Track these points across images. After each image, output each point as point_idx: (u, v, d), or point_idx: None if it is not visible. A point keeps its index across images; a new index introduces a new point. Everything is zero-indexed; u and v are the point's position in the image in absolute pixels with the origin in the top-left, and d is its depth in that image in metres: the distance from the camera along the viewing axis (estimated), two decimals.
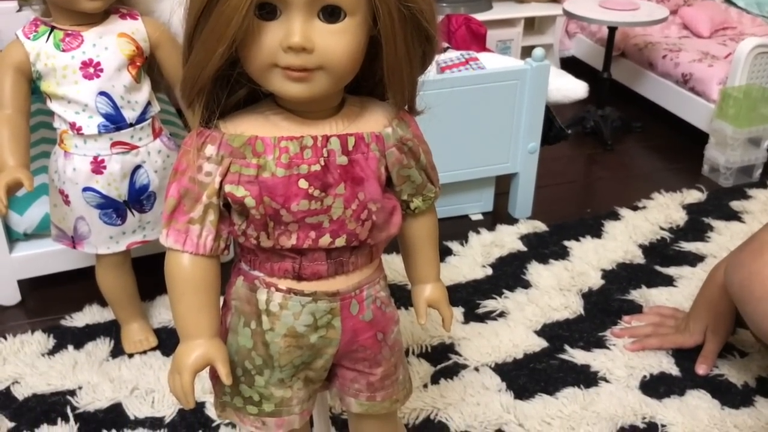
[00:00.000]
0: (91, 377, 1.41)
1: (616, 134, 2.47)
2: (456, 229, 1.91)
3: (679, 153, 2.39)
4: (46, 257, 1.63)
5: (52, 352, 1.49)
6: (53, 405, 1.36)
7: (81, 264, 1.64)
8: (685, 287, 1.68)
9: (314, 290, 0.84)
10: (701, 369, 1.44)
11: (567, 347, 1.51)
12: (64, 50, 1.26)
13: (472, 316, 1.60)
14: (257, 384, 0.88)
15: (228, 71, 0.76)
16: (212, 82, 0.76)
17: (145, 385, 1.40)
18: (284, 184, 0.78)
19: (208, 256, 0.82)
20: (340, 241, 0.82)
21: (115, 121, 1.30)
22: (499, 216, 2.01)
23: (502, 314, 1.61)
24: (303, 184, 0.78)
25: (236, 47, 0.73)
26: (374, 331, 0.90)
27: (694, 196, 2.08)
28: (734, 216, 1.99)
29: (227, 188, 0.79)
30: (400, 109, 0.85)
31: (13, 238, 1.62)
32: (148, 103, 1.35)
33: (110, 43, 1.28)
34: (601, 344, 1.52)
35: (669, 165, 2.34)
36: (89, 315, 1.59)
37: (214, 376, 0.89)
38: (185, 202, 0.80)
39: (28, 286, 1.68)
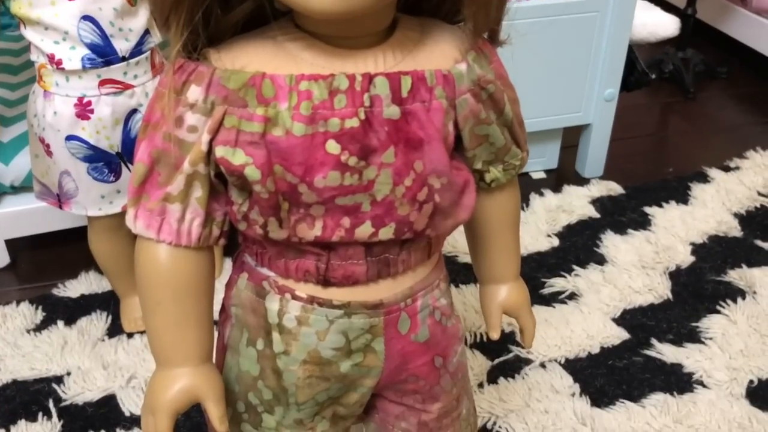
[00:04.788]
0: (82, 361, 1.19)
1: (698, 80, 2.14)
2: None
3: None
4: (38, 214, 1.39)
5: (39, 328, 1.27)
6: (35, 395, 1.14)
7: (80, 222, 1.40)
8: None
9: (347, 300, 0.59)
10: None
11: (653, 341, 1.24)
12: None
13: (536, 297, 1.34)
14: (266, 425, 0.64)
15: None
16: None
17: (144, 373, 1.17)
18: (305, 146, 0.52)
19: (195, 249, 0.57)
20: (386, 233, 0.55)
21: (103, 54, 1.04)
22: (565, 175, 1.72)
23: (572, 296, 1.34)
24: (332, 147, 0.52)
25: None
26: (431, 356, 0.64)
27: None
28: None
29: (219, 152, 0.53)
30: (479, 36, 0.58)
31: None
32: (146, 32, 1.08)
33: None
34: (694, 338, 1.25)
35: (761, 118, 2.01)
36: (85, 283, 1.36)
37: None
38: (160, 169, 0.55)
39: (19, 246, 1.46)
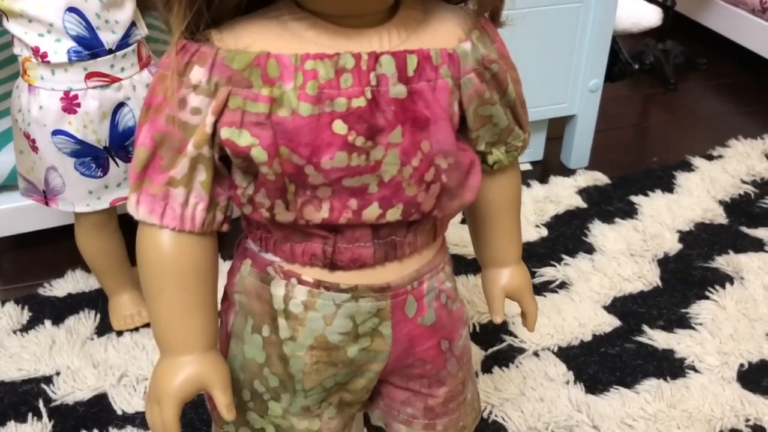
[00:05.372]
0: (71, 361, 1.17)
1: (678, 72, 2.16)
2: None
3: (753, 94, 2.08)
4: (21, 213, 1.37)
5: (25, 328, 1.24)
6: (24, 396, 1.12)
7: (65, 221, 1.38)
8: None
9: (354, 283, 0.58)
10: None
11: (645, 327, 1.25)
12: None
13: None
14: (272, 412, 0.63)
15: None
16: None
17: (135, 371, 1.16)
18: (311, 127, 0.51)
19: (199, 234, 0.56)
20: (394, 214, 0.55)
21: (89, 46, 1.02)
22: (550, 166, 1.73)
23: (563, 285, 1.34)
24: (339, 127, 0.51)
25: None
26: (437, 339, 0.64)
27: None
28: None
29: (224, 133, 0.52)
30: (481, 16, 0.58)
31: None
32: (132, 24, 1.07)
33: None
34: (685, 323, 1.26)
35: (742, 108, 2.03)
36: (72, 282, 1.34)
37: (212, 399, 0.64)
38: (162, 153, 0.54)
39: (2, 246, 1.43)
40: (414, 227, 0.58)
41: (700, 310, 1.28)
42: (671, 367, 1.18)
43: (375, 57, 0.52)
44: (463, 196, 0.59)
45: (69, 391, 1.12)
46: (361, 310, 0.59)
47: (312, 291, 0.58)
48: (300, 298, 0.58)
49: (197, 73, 0.52)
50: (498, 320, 0.70)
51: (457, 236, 1.41)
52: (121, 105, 1.08)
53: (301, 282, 0.58)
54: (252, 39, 0.52)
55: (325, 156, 0.52)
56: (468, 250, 1.38)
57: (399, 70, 0.52)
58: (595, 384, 1.15)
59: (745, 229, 1.49)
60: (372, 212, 0.54)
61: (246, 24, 0.53)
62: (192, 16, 0.51)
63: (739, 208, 1.55)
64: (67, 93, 1.04)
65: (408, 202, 0.55)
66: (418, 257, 0.60)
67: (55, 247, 1.41)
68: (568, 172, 1.68)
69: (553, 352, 1.20)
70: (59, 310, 1.28)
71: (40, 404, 1.10)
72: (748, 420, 1.09)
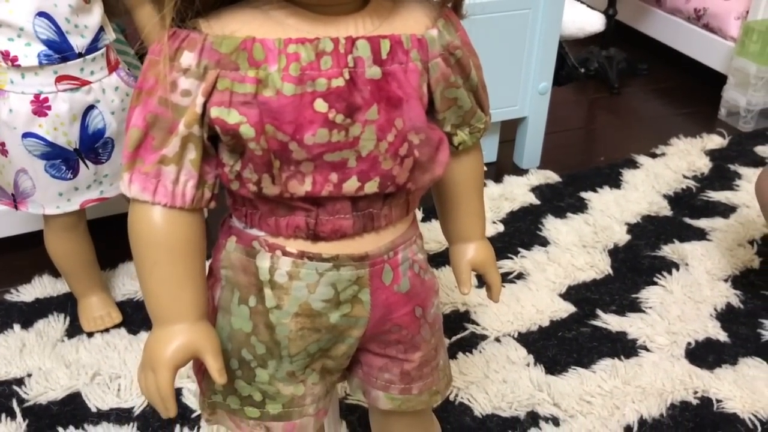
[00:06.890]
0: (43, 362, 1.18)
1: (621, 77, 2.26)
2: None
3: (690, 97, 2.19)
4: None
5: None
6: None
7: (29, 227, 1.39)
8: (721, 241, 1.50)
9: (335, 253, 0.63)
10: None
11: (598, 312, 1.32)
12: None
13: None
14: (259, 379, 0.66)
15: None
16: None
17: (108, 369, 1.17)
18: (294, 106, 0.56)
19: (189, 210, 0.60)
20: (371, 186, 0.60)
21: (59, 50, 1.05)
22: (504, 166, 1.80)
23: (520, 276, 1.41)
24: (320, 106, 0.56)
25: None
26: (412, 306, 0.69)
27: (716, 141, 1.89)
28: (761, 162, 1.80)
29: (214, 112, 0.56)
30: (445, 6, 0.63)
31: None
32: (101, 29, 1.10)
33: None
34: (635, 307, 1.33)
35: (681, 110, 2.14)
36: (39, 287, 1.35)
37: (200, 370, 0.67)
38: (154, 133, 0.58)
39: None
40: (389, 200, 0.63)
41: (649, 294, 1.36)
42: (624, 347, 1.25)
43: (352, 41, 0.57)
44: (434, 170, 0.64)
45: (42, 391, 1.13)
46: (342, 278, 0.63)
47: (296, 261, 0.62)
48: (285, 269, 0.62)
49: (187, 58, 0.56)
50: (466, 291, 0.75)
51: None
52: (90, 108, 1.10)
53: (285, 253, 0.62)
54: (238, 26, 0.56)
55: (308, 132, 0.56)
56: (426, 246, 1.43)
57: (374, 53, 0.57)
58: (554, 365, 1.21)
59: (688, 220, 1.58)
60: (351, 185, 0.59)
61: (231, 13, 0.57)
62: (181, 4, 0.55)
63: (682, 201, 1.65)
64: (37, 96, 1.06)
65: (384, 175, 0.60)
66: (393, 229, 0.65)
67: (20, 254, 1.42)
68: (521, 172, 1.75)
69: (513, 337, 1.26)
70: (27, 315, 1.29)
71: (14, 404, 1.11)
72: (696, 392, 1.16)
